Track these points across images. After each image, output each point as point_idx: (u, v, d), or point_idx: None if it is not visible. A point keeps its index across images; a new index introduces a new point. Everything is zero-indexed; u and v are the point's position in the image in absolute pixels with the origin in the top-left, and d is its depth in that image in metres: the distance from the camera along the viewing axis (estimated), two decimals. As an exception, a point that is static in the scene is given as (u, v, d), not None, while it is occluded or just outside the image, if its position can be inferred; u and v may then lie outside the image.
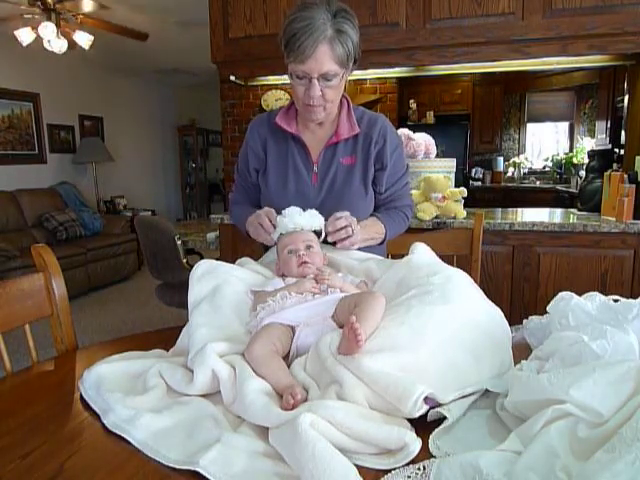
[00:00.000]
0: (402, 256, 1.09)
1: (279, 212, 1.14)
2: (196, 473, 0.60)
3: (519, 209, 2.71)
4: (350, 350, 0.73)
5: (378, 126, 1.29)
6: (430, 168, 2.33)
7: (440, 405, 0.69)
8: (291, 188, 1.28)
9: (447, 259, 1.29)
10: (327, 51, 1.08)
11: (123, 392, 0.79)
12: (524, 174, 6.34)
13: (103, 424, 0.73)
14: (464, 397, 0.73)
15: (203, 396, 0.78)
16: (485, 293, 0.95)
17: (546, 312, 0.90)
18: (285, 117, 1.28)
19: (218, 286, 0.98)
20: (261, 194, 1.34)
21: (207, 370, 0.77)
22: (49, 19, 3.52)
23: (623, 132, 2.70)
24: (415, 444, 0.62)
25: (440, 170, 2.32)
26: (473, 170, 6.22)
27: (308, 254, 1.03)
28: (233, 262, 1.17)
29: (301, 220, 1.10)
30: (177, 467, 0.63)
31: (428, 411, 0.68)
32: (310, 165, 1.29)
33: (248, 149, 1.33)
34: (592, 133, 5.75)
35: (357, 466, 0.60)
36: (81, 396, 0.82)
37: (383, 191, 1.33)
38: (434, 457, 0.62)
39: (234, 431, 0.69)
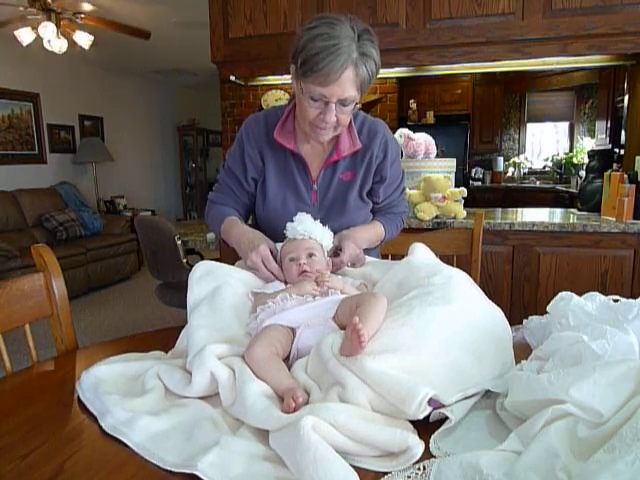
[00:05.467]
0: (402, 256, 1.09)
1: (278, 238, 1.12)
2: (195, 476, 0.60)
3: (519, 209, 2.72)
4: (353, 351, 0.72)
5: (379, 138, 1.24)
6: (430, 168, 2.33)
7: (443, 406, 0.69)
8: (290, 205, 1.23)
9: (447, 259, 1.30)
10: (351, 76, 1.02)
11: (121, 394, 0.78)
12: (524, 174, 6.35)
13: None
14: (466, 398, 0.73)
15: (202, 398, 0.78)
16: (485, 293, 0.95)
17: (546, 312, 0.90)
18: (283, 130, 1.21)
19: (218, 287, 0.98)
20: (256, 206, 1.29)
21: (206, 372, 0.76)
22: (49, 19, 3.52)
23: (623, 132, 2.71)
24: (418, 447, 0.62)
25: (440, 170, 2.32)
26: (473, 170, 6.22)
27: (309, 262, 1.01)
28: (233, 262, 1.17)
29: (311, 227, 1.07)
30: (175, 470, 0.62)
31: (430, 412, 0.68)
32: (309, 183, 1.25)
33: (246, 157, 1.25)
34: (592, 133, 5.76)
35: (359, 468, 0.60)
36: (79, 398, 0.82)
37: (380, 201, 1.32)
38: (434, 457, 0.62)
39: (233, 434, 0.68)
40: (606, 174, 2.29)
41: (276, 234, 1.16)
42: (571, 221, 2.14)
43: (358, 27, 1.02)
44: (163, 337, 1.05)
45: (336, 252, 1.13)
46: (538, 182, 6.10)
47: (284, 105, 1.26)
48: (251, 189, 1.29)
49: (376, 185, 1.28)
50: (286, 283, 1.03)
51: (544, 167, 6.26)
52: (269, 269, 1.05)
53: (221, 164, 1.35)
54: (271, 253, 1.08)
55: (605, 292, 0.86)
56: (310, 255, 1.02)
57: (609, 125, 4.80)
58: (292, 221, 1.10)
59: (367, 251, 1.28)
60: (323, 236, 1.09)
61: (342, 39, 0.99)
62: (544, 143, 6.53)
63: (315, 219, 1.12)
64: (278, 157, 1.24)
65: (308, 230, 1.07)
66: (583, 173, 4.54)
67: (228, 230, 1.20)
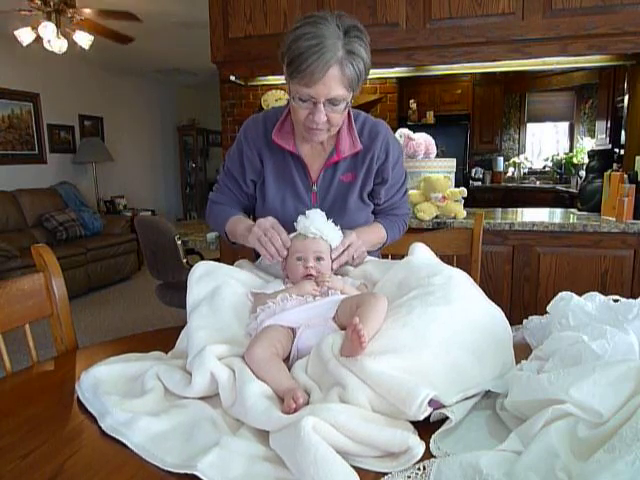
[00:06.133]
0: (402, 256, 1.09)
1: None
2: (195, 477, 0.60)
3: (519, 209, 2.72)
4: (353, 352, 0.73)
5: (380, 140, 1.22)
6: (430, 168, 2.33)
7: (444, 406, 0.69)
8: (290, 207, 1.23)
9: (447, 259, 1.29)
10: (337, 75, 1.00)
11: (120, 395, 0.78)
12: (524, 174, 6.35)
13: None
14: (467, 398, 0.73)
15: (201, 399, 0.78)
16: (485, 293, 0.95)
17: (546, 312, 0.90)
18: (281, 131, 1.20)
19: (217, 288, 0.98)
20: (256, 208, 1.29)
21: (206, 373, 0.76)
22: (49, 19, 3.52)
23: (623, 132, 2.71)
24: (418, 447, 0.62)
25: (440, 170, 2.32)
26: (473, 170, 6.22)
27: (316, 266, 1.00)
28: (233, 262, 1.17)
29: (323, 227, 1.05)
30: (175, 471, 0.62)
31: (431, 412, 0.68)
32: (309, 184, 1.24)
33: (244, 158, 1.25)
34: (592, 133, 5.76)
35: (359, 468, 0.60)
36: (78, 399, 0.82)
37: (381, 203, 1.31)
38: (434, 457, 0.62)
39: (233, 434, 0.68)
40: (606, 174, 2.29)
41: None
42: (571, 221, 2.14)
43: (344, 24, 1.00)
44: (163, 337, 1.05)
45: None
46: (538, 182, 6.10)
47: (283, 106, 1.25)
48: (250, 191, 1.28)
49: (377, 187, 1.27)
50: (286, 278, 1.03)
51: (544, 167, 6.26)
52: (278, 233, 1.03)
53: (221, 164, 1.34)
54: None
55: (605, 292, 0.86)
56: (318, 258, 1.02)
57: (609, 125, 4.80)
58: (303, 213, 1.08)
59: (367, 252, 1.28)
60: (334, 237, 1.06)
61: (326, 38, 0.97)
62: (544, 143, 6.53)
63: None
64: (277, 158, 1.24)
65: (320, 229, 1.04)
66: (583, 173, 4.54)
67: (234, 225, 1.20)
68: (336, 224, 1.11)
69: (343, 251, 1.07)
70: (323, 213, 1.08)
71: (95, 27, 3.80)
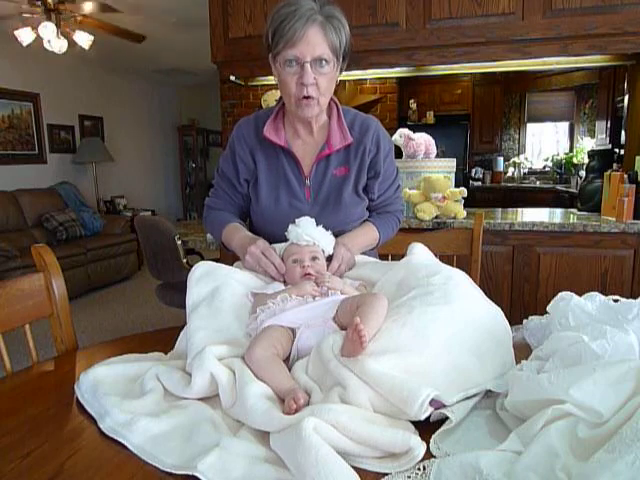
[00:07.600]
0: (401, 256, 1.09)
1: (273, 238, 1.13)
2: (195, 477, 0.60)
3: (519, 209, 2.72)
4: (354, 351, 0.73)
5: (371, 133, 1.23)
6: (430, 168, 2.33)
7: (444, 406, 0.69)
8: (284, 203, 1.23)
9: (447, 259, 1.30)
10: (319, 32, 1.05)
11: (120, 396, 0.78)
12: (524, 174, 6.35)
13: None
14: (467, 398, 0.73)
15: (201, 400, 0.78)
16: (485, 293, 0.95)
17: (546, 312, 0.90)
18: (273, 127, 1.21)
19: (217, 288, 0.97)
20: (251, 206, 1.29)
21: (206, 373, 0.76)
22: (49, 19, 3.52)
23: (623, 132, 2.70)
24: (420, 448, 0.62)
25: (440, 170, 2.32)
26: (473, 170, 6.22)
27: (313, 265, 1.02)
28: (233, 263, 1.17)
29: (315, 234, 1.07)
30: (175, 472, 0.62)
31: (431, 412, 0.68)
32: (302, 179, 1.24)
33: (237, 158, 1.25)
34: (592, 133, 5.76)
35: (359, 469, 0.60)
36: (78, 400, 0.82)
37: (375, 198, 1.31)
38: (434, 457, 0.62)
39: (233, 435, 0.68)
40: (606, 174, 2.29)
41: (271, 235, 1.15)
42: (571, 221, 2.14)
43: (321, 0, 1.07)
44: (163, 337, 1.05)
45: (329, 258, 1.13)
46: (538, 182, 6.10)
47: (273, 106, 1.26)
48: (244, 190, 1.29)
49: (371, 181, 1.28)
50: (285, 283, 1.03)
51: (544, 167, 6.27)
52: (270, 260, 1.06)
53: (215, 168, 1.35)
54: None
55: (605, 292, 0.86)
56: (313, 258, 1.03)
57: (609, 125, 4.80)
58: (293, 222, 1.10)
59: (364, 253, 1.28)
60: (326, 243, 1.09)
61: (302, 6, 1.04)
62: (544, 143, 6.53)
63: (311, 217, 1.12)
64: (269, 155, 1.24)
65: (312, 236, 1.06)
66: (583, 173, 4.54)
67: (230, 235, 1.21)
68: (328, 227, 1.12)
69: (339, 266, 1.11)
70: (313, 220, 1.10)
71: (105, 26, 3.79)
